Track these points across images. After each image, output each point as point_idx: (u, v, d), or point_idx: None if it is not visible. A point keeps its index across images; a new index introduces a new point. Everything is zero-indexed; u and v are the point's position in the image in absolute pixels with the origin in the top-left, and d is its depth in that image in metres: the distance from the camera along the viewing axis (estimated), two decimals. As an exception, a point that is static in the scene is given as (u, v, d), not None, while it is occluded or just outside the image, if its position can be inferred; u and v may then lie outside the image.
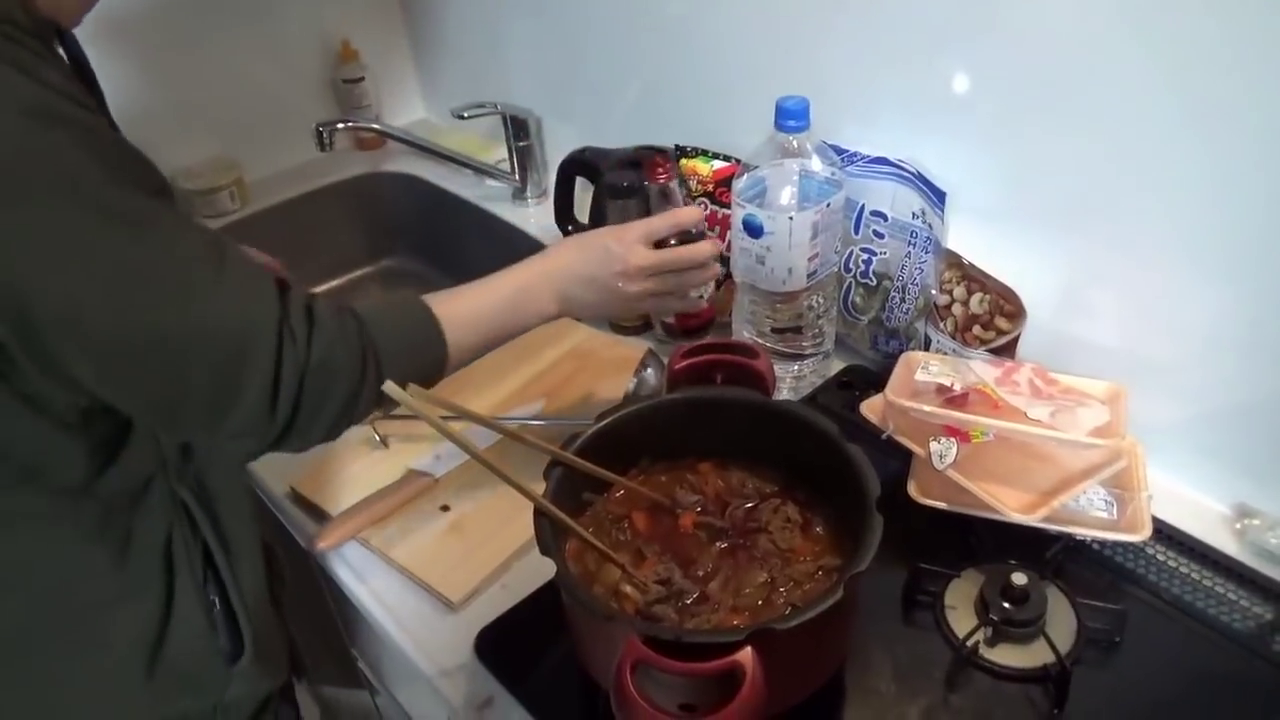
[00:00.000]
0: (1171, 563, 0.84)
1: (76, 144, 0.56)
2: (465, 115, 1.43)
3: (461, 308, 0.79)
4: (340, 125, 1.45)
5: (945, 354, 0.98)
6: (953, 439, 0.84)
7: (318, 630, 1.18)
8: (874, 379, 1.05)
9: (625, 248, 0.84)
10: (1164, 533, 0.86)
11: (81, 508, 0.71)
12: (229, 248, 0.64)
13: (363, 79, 1.64)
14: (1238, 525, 0.87)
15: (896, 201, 1.01)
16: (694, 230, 0.91)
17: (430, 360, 0.76)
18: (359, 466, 0.99)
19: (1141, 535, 0.80)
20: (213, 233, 0.65)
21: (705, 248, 0.88)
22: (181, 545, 0.76)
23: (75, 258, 0.56)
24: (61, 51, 0.68)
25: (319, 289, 1.64)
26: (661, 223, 0.86)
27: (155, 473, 0.75)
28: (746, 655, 0.58)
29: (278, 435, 0.66)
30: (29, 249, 0.55)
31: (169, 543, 0.76)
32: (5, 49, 0.54)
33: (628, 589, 0.72)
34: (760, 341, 1.03)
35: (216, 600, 0.79)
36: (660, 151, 1.15)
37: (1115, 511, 0.84)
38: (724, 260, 0.99)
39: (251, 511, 0.84)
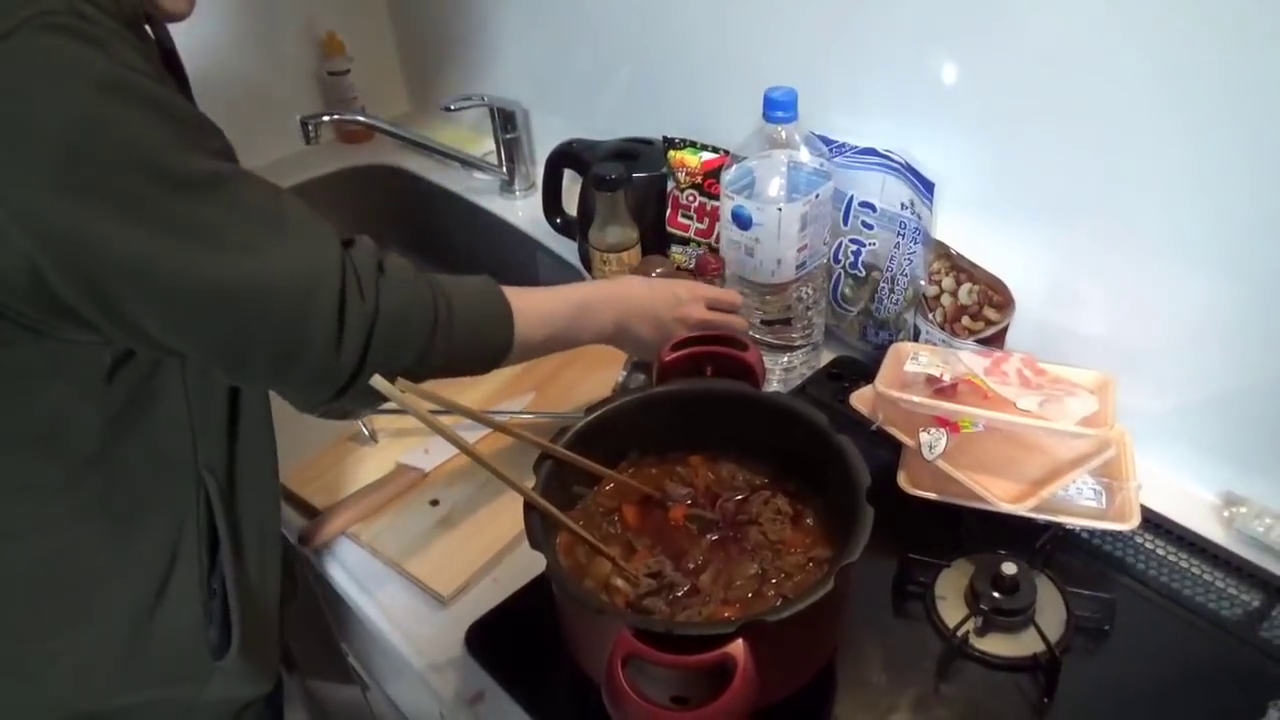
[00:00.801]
0: (1160, 551, 0.85)
1: (146, 113, 0.59)
2: (452, 108, 1.42)
3: (532, 304, 0.79)
4: (326, 118, 1.43)
5: (934, 345, 0.98)
6: (942, 429, 0.84)
7: (308, 625, 1.17)
8: (863, 370, 1.05)
9: (692, 300, 0.90)
10: (1152, 521, 0.87)
11: (90, 478, 0.71)
12: (291, 204, 0.67)
13: (348, 71, 1.62)
14: (1225, 513, 0.88)
15: (885, 192, 1.00)
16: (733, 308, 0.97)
17: (498, 343, 0.77)
18: (348, 461, 0.99)
19: (1130, 524, 0.81)
20: (276, 189, 0.67)
21: (743, 322, 0.96)
22: (192, 530, 0.76)
23: (143, 220, 0.59)
24: (151, 35, 0.72)
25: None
26: (724, 296, 0.94)
27: (181, 452, 0.75)
28: (738, 647, 0.58)
29: (346, 380, 0.67)
30: (100, 213, 0.57)
31: (180, 526, 0.75)
32: (83, 27, 0.57)
33: (618, 582, 0.72)
34: (749, 333, 1.02)
35: (218, 590, 0.78)
36: (714, 251, 1.15)
37: (1104, 501, 0.84)
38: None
39: (274, 514, 0.84)
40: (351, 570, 0.89)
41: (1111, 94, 0.83)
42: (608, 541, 0.75)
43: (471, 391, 1.06)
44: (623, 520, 0.78)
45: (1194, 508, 0.89)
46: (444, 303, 0.72)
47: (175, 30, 0.76)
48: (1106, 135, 0.85)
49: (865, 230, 1.04)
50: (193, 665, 0.78)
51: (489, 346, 0.77)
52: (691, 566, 0.74)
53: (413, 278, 0.71)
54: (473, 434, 1.00)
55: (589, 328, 0.85)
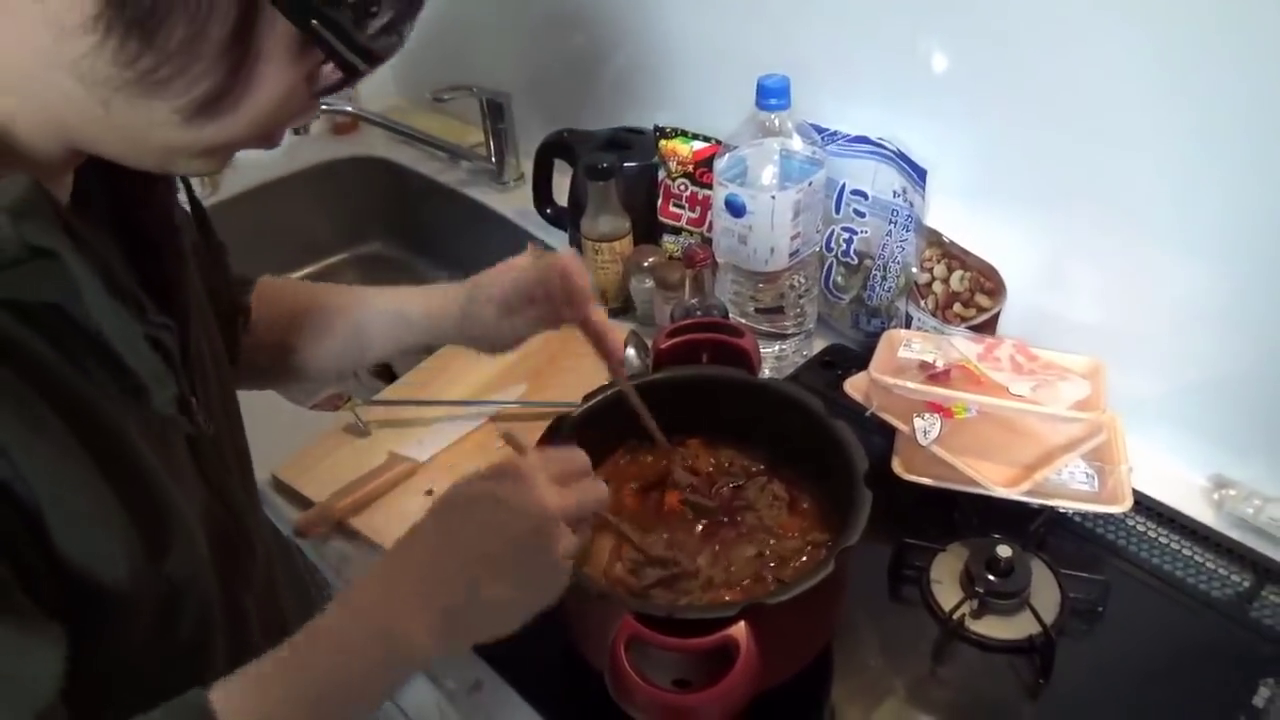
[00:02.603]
0: (1151, 533, 0.86)
1: None
2: (443, 98, 1.42)
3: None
4: (314, 109, 1.42)
5: (927, 332, 0.98)
6: (936, 415, 0.84)
7: (300, 618, 1.17)
8: (856, 358, 1.06)
9: (530, 485, 0.56)
10: (1144, 504, 0.87)
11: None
12: None
13: (335, 62, 1.61)
14: (1215, 496, 0.89)
15: (877, 180, 1.01)
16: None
17: None
18: (341, 452, 0.98)
19: (1122, 507, 0.82)
20: None
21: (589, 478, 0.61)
22: None
23: None
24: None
25: (294, 275, 1.62)
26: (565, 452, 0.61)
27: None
28: (740, 630, 0.58)
29: None
30: None
31: None
32: None
33: (618, 569, 0.72)
34: (743, 321, 1.03)
35: None
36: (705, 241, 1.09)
37: (1096, 484, 0.85)
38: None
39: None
40: (345, 560, 0.89)
41: (1102, 82, 0.83)
42: (605, 527, 0.75)
43: (463, 383, 1.06)
44: (620, 504, 0.78)
45: (1184, 490, 0.90)
46: None
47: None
48: (1096, 123, 0.85)
49: (857, 218, 1.04)
50: None
51: None
52: (690, 551, 0.74)
53: None
54: (466, 425, 1.00)
55: (376, 678, 0.53)
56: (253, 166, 1.57)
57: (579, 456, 0.60)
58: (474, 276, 0.79)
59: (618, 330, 0.83)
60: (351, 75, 0.47)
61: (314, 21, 0.43)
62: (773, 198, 0.93)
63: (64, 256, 0.43)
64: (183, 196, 0.62)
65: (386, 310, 0.82)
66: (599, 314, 0.76)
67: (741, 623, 0.58)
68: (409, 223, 1.63)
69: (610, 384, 0.79)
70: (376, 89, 1.73)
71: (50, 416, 0.45)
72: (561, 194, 1.29)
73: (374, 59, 0.46)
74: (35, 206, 0.42)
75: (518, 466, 0.57)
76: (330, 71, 0.47)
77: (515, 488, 0.56)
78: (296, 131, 1.39)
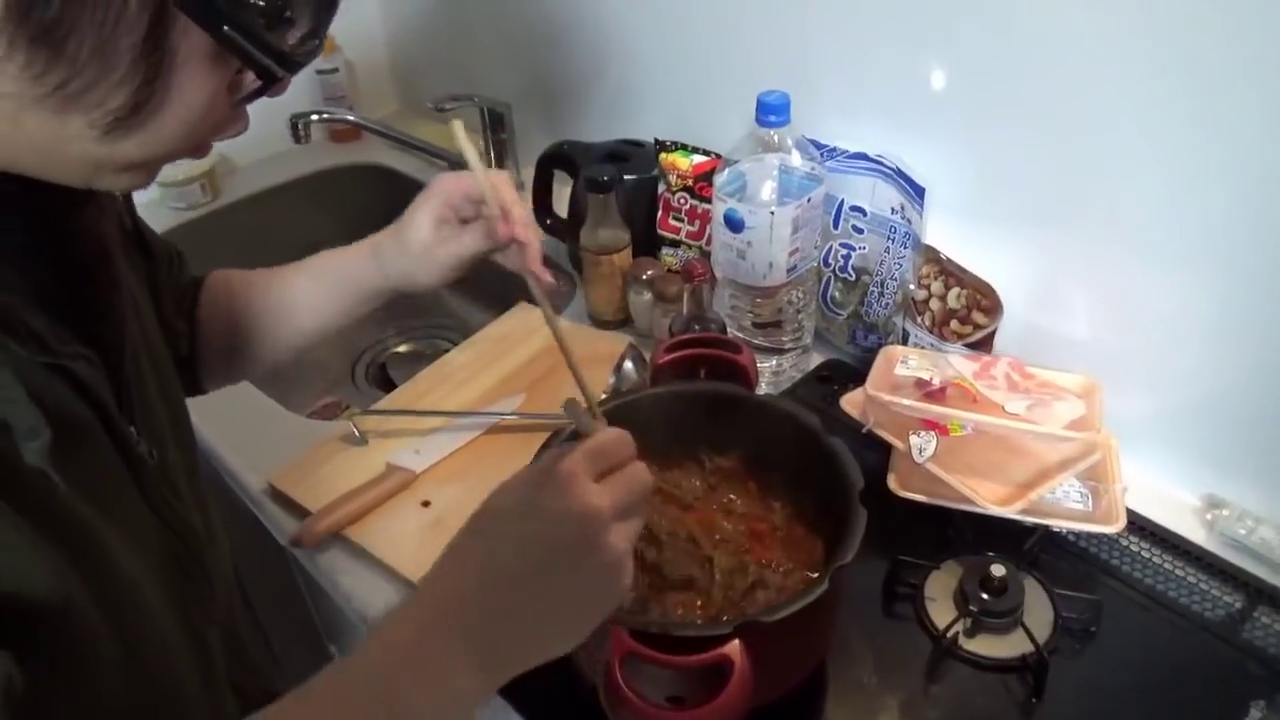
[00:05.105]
0: (1145, 553, 0.86)
1: None
2: (444, 108, 1.42)
3: None
4: (315, 117, 1.43)
5: (924, 348, 0.99)
6: (932, 432, 0.85)
7: (294, 629, 1.17)
8: (853, 373, 1.06)
9: (569, 487, 0.51)
10: (1137, 524, 0.88)
11: None
12: None
13: (337, 70, 1.62)
14: (1208, 516, 0.89)
15: (876, 197, 1.01)
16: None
17: None
18: (338, 462, 0.98)
19: (1115, 527, 0.82)
20: None
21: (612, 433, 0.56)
22: None
23: None
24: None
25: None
26: (602, 442, 0.54)
27: None
28: (734, 648, 0.58)
29: None
30: None
31: None
32: None
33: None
34: (740, 335, 1.03)
35: None
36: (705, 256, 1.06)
37: (1090, 504, 0.86)
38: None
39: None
40: (342, 571, 0.89)
41: (1097, 104, 0.84)
42: None
43: (461, 393, 1.07)
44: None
45: (1177, 510, 0.90)
46: None
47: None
48: (1091, 144, 0.86)
49: (855, 234, 1.05)
50: None
51: None
52: (685, 566, 0.74)
53: None
54: (464, 435, 1.01)
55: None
56: (253, 173, 1.58)
57: (622, 442, 0.55)
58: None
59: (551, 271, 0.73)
60: (270, 81, 0.46)
61: (225, 28, 0.42)
62: (771, 213, 0.93)
63: None
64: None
65: (311, 277, 0.80)
66: (530, 232, 0.71)
67: (736, 640, 0.59)
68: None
69: (611, 397, 0.79)
70: (377, 98, 1.74)
71: None
72: (561, 205, 1.29)
73: (291, 64, 0.46)
74: None
75: (557, 468, 0.52)
76: (250, 80, 0.46)
77: (555, 492, 0.51)
78: (298, 139, 1.39)
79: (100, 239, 0.56)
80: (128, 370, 0.55)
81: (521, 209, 0.71)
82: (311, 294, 0.81)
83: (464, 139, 0.63)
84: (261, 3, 0.43)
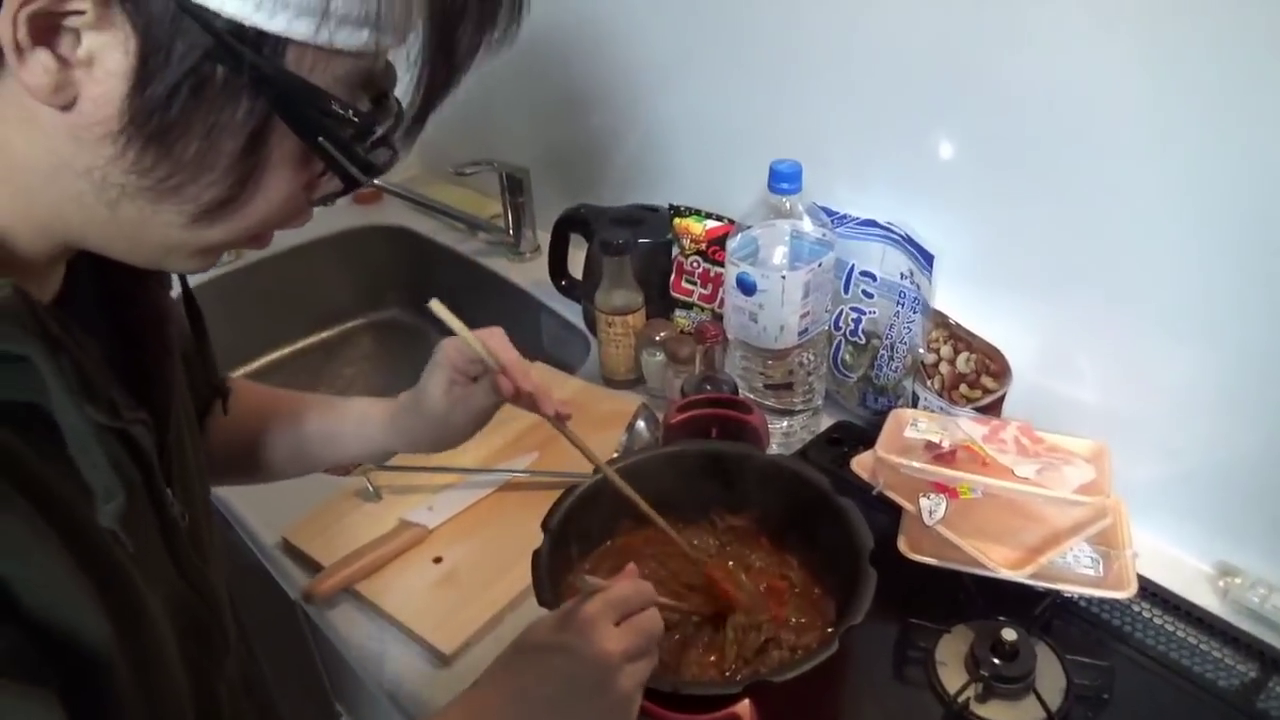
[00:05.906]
0: (1157, 620, 0.86)
1: None
2: (465, 172, 1.46)
3: None
4: (338, 179, 1.46)
5: (933, 412, 1.00)
6: (942, 495, 0.85)
7: (300, 684, 1.16)
8: (862, 435, 1.07)
9: (591, 631, 0.60)
10: (1149, 590, 0.87)
11: None
12: None
13: (361, 134, 1.66)
14: (1220, 583, 0.89)
15: (885, 262, 1.03)
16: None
17: None
18: (351, 517, 0.99)
19: (1127, 592, 0.81)
20: None
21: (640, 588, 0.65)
22: None
23: None
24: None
25: (310, 340, 1.65)
26: (624, 591, 0.63)
27: None
28: (744, 707, 0.58)
29: None
30: None
31: None
32: None
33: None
34: (752, 397, 1.04)
35: None
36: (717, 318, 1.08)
37: (1101, 569, 0.85)
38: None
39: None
40: (352, 626, 0.89)
41: (1105, 173, 0.86)
42: None
43: (475, 450, 1.08)
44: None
45: (1190, 577, 0.90)
46: None
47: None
48: (1100, 211, 0.88)
49: (866, 299, 1.06)
50: None
51: None
52: (696, 624, 0.74)
53: None
54: (477, 492, 1.01)
55: None
56: (276, 232, 1.61)
57: (642, 591, 0.63)
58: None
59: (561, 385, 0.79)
60: (351, 186, 0.50)
61: (320, 138, 0.45)
62: (783, 277, 0.95)
63: (34, 360, 0.43)
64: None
65: (352, 415, 0.82)
66: (531, 380, 0.74)
67: (746, 700, 0.59)
68: (426, 291, 1.65)
69: (624, 455, 0.80)
70: (399, 162, 1.78)
71: (17, 498, 0.44)
72: (576, 267, 1.32)
73: (373, 172, 0.49)
74: (9, 312, 0.43)
75: (582, 614, 0.60)
76: (329, 180, 0.49)
77: (579, 638, 0.59)
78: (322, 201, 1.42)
79: (159, 309, 0.59)
80: (172, 435, 0.57)
81: (517, 358, 0.74)
82: (359, 431, 0.82)
83: (446, 313, 0.67)
84: (355, 119, 0.46)
